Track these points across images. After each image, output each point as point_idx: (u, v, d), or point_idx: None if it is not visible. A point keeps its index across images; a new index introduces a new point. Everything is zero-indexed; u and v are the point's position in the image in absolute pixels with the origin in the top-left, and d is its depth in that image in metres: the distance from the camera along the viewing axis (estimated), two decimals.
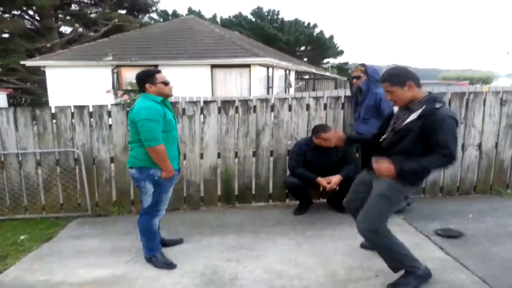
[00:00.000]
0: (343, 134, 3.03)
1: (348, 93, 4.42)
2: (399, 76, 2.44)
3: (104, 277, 2.91)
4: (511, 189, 4.62)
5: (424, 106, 2.39)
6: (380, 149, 2.61)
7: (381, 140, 2.63)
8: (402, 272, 2.60)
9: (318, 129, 3.93)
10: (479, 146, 4.50)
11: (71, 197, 4.24)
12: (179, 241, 3.46)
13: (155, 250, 3.08)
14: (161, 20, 27.69)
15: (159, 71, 2.97)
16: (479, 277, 2.73)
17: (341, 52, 35.38)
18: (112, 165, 4.26)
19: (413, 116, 2.41)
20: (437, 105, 2.36)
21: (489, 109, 4.42)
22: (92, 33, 20.49)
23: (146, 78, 2.89)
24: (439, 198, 4.52)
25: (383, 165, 2.43)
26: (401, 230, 3.29)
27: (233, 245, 3.40)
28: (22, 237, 3.72)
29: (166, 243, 3.33)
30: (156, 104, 2.84)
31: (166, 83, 2.92)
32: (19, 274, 3.02)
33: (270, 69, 14.08)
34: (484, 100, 4.40)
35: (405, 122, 2.45)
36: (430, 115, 2.33)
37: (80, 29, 21.17)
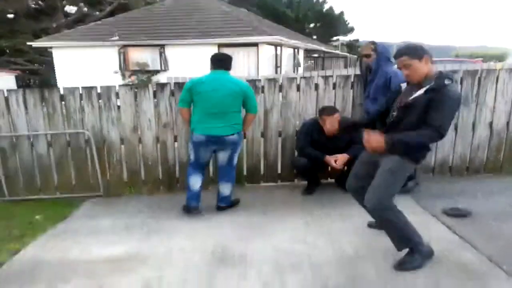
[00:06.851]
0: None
1: (358, 71, 4.35)
2: (417, 50, 2.45)
3: (118, 254, 3.00)
4: None
5: (433, 82, 2.40)
6: (386, 126, 2.61)
7: (388, 117, 2.63)
8: (406, 250, 2.64)
9: (322, 111, 3.93)
10: (490, 124, 4.44)
11: (83, 177, 4.32)
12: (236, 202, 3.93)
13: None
14: None
15: None
16: (486, 256, 2.74)
17: (352, 29, 34.57)
18: (122, 146, 4.31)
19: (421, 91, 2.42)
20: (446, 82, 2.37)
21: (502, 87, 4.33)
22: (97, 12, 20.29)
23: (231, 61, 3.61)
24: (448, 177, 4.50)
25: (373, 137, 2.46)
26: (408, 210, 3.28)
27: (243, 224, 3.46)
28: (37, 217, 3.82)
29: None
30: None
31: None
32: (37, 251, 3.13)
33: (278, 48, 13.88)
34: (497, 77, 4.30)
35: (412, 97, 2.46)
36: (437, 90, 2.35)
37: (85, 9, 20.97)
